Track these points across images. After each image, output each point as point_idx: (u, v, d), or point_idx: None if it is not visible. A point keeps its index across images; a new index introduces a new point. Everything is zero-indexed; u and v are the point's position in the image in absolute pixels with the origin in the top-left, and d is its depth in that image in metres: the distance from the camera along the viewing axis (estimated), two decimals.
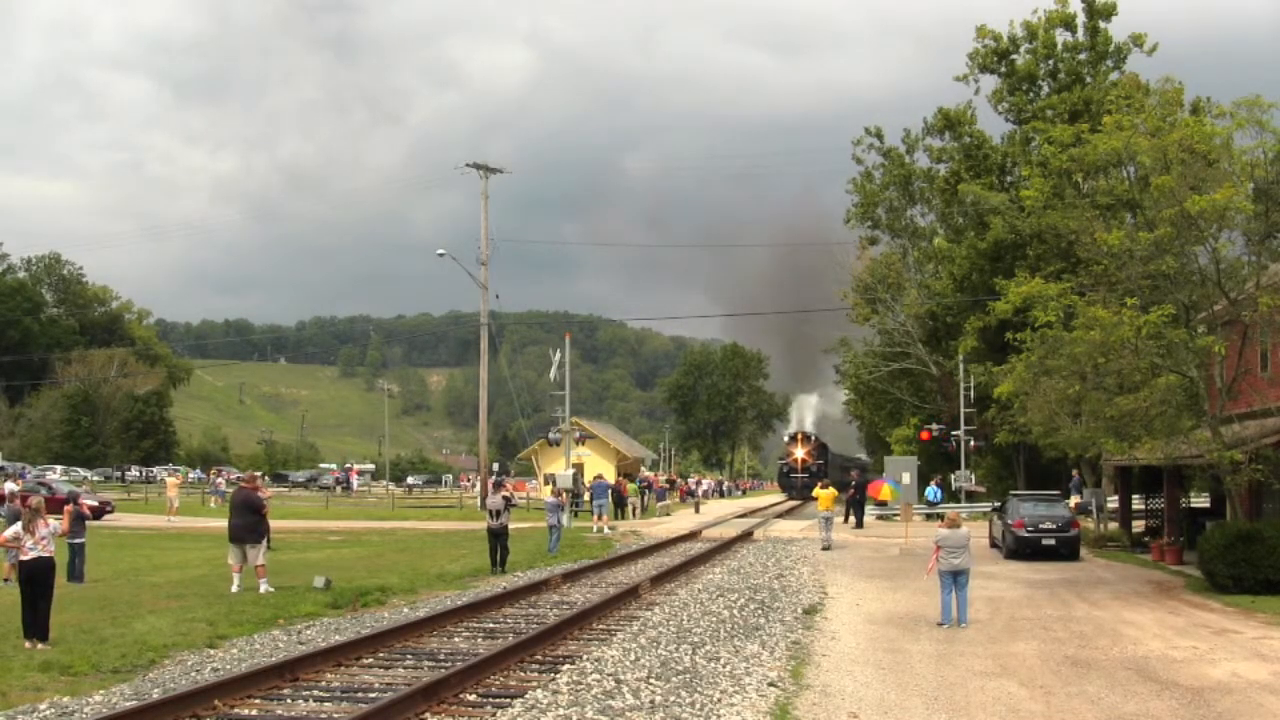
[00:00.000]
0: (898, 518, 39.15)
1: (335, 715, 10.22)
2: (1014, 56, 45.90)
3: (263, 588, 18.37)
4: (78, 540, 20.41)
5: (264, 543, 19.23)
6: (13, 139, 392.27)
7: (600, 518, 37.56)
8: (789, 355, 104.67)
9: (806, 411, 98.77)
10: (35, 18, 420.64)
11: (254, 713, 10.30)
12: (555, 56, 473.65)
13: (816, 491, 31.89)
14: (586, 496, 43.09)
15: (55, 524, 14.08)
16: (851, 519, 39.08)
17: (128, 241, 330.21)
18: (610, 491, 42.01)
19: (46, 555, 13.72)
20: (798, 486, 74.19)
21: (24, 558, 13.67)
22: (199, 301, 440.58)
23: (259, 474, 26.53)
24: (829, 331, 69.87)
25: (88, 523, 21.76)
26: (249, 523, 18.79)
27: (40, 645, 13.28)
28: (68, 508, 19.87)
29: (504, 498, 24.04)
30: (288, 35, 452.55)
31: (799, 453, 77.71)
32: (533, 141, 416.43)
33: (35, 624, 13.53)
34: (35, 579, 13.62)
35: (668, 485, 64.41)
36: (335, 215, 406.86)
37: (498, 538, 23.14)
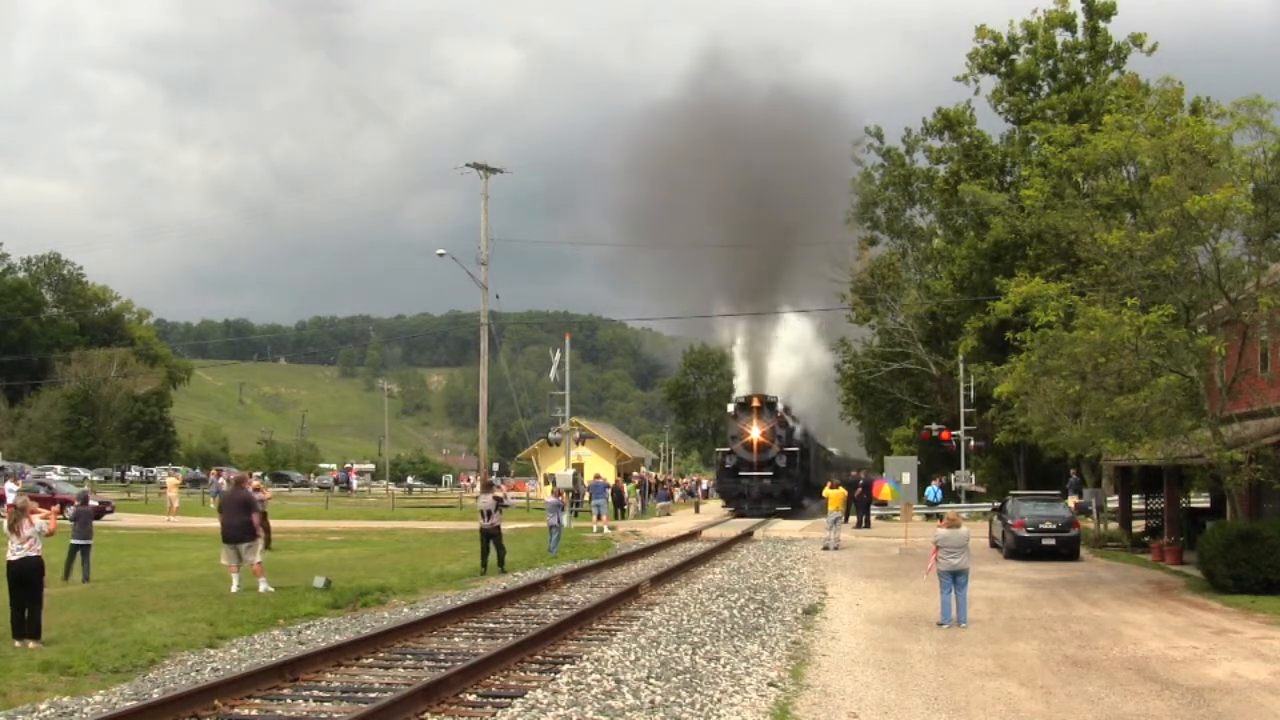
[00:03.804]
0: (898, 518, 39.14)
1: (335, 715, 10.22)
2: (1014, 56, 46.01)
3: (262, 586, 18.36)
4: (85, 541, 20.43)
5: (258, 542, 19.20)
6: (8, 139, 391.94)
7: (600, 518, 37.57)
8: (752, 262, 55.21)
9: (767, 363, 55.05)
10: (29, 17, 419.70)
11: (254, 713, 10.30)
12: (545, 55, 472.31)
13: (826, 491, 31.50)
14: (586, 497, 43.09)
15: (41, 523, 14.02)
16: (852, 519, 39.01)
17: (124, 241, 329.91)
18: (610, 491, 42.04)
19: (34, 555, 13.66)
20: (751, 496, 45.20)
21: (11, 558, 13.62)
22: (197, 301, 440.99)
23: (258, 474, 26.51)
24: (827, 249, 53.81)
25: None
26: (244, 522, 18.79)
27: (33, 644, 13.26)
28: (54, 507, 19.70)
29: (495, 498, 24.02)
30: (279, 35, 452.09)
31: (755, 432, 45.61)
32: (527, 140, 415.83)
33: (25, 624, 13.52)
34: (23, 579, 13.57)
35: (661, 485, 62.79)
36: (331, 215, 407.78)
37: (490, 538, 23.14)
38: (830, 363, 60.70)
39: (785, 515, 43.87)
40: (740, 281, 52.18)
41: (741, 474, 45.74)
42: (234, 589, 18.37)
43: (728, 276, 53.21)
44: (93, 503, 33.05)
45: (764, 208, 50.00)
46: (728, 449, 47.71)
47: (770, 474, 45.25)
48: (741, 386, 54.39)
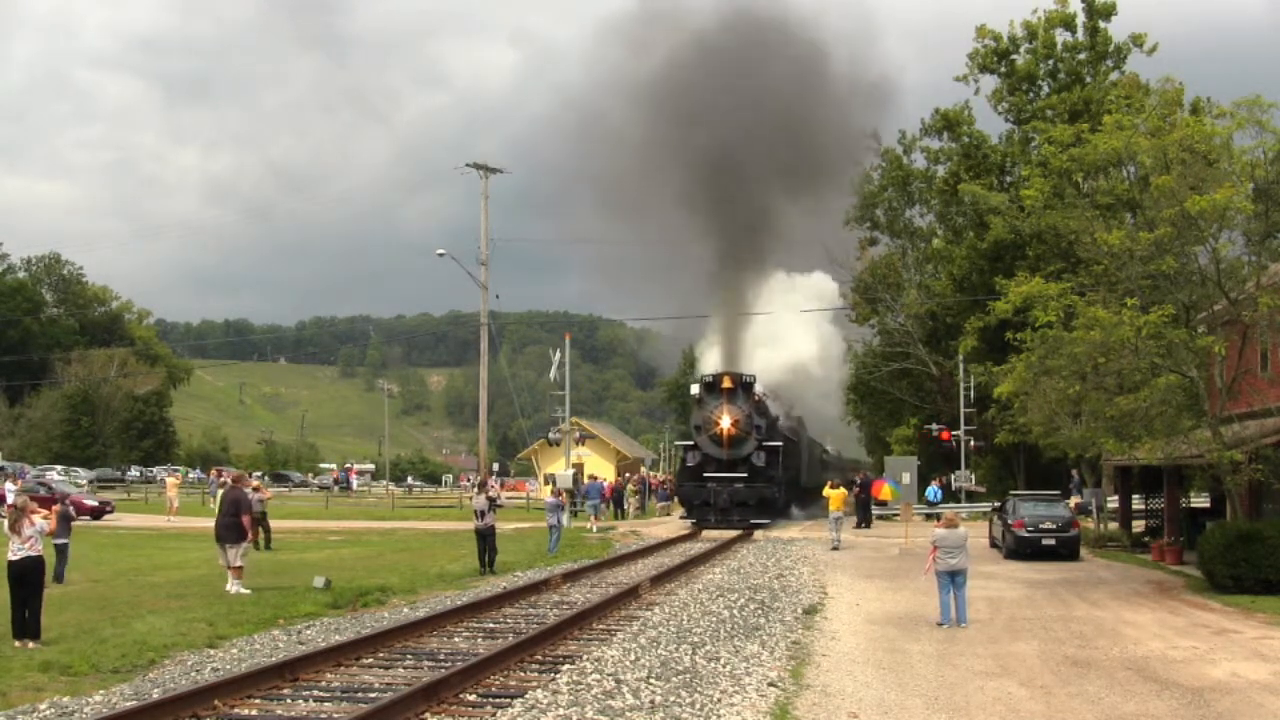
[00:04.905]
0: (898, 518, 39.13)
1: (335, 715, 10.22)
2: (1014, 57, 46.08)
3: (231, 588, 18.30)
4: (61, 540, 20.31)
5: (243, 543, 19.17)
6: (7, 139, 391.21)
7: (595, 518, 37.49)
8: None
9: (743, 334, 41.92)
10: (28, 17, 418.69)
11: (254, 713, 10.30)
12: (543, 54, 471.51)
13: (826, 491, 31.13)
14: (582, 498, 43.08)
15: (42, 523, 14.03)
16: (852, 519, 38.97)
17: (123, 241, 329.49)
18: (609, 491, 42.02)
19: (34, 554, 13.71)
20: (719, 504, 35.03)
21: (12, 558, 13.65)
22: (197, 301, 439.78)
23: (258, 474, 26.53)
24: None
25: (89, 522, 21.68)
26: (233, 522, 18.80)
27: (32, 644, 13.28)
28: (55, 507, 19.73)
29: (489, 498, 24.02)
30: (278, 35, 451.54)
31: (725, 420, 35.55)
32: (527, 140, 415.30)
33: (25, 624, 13.53)
34: (24, 579, 13.60)
35: (662, 485, 61.90)
36: (331, 215, 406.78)
37: (484, 538, 23.16)
38: (831, 342, 53.73)
39: (764, 528, 34.74)
40: (728, 239, 42.05)
41: (708, 475, 35.65)
42: (232, 590, 18.38)
43: (715, 242, 43.14)
44: (91, 503, 33.20)
45: (745, 168, 41.80)
46: (690, 442, 37.32)
47: (744, 475, 35.39)
48: (708, 359, 43.22)
